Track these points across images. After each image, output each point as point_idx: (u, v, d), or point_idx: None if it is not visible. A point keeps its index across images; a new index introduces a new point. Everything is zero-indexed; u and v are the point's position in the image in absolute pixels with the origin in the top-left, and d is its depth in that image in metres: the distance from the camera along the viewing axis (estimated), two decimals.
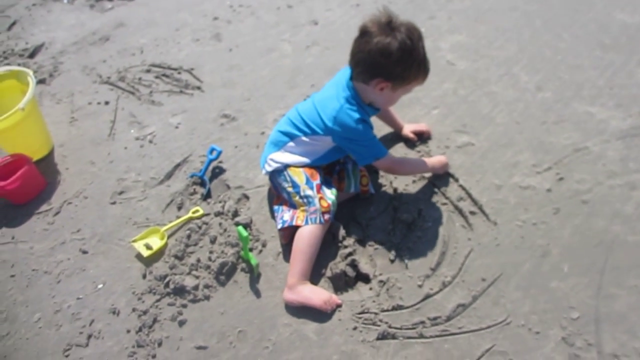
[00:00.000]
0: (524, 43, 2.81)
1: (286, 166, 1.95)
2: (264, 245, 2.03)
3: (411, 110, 2.49)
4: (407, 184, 2.14)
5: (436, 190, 2.11)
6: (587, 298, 1.72)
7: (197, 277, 1.94)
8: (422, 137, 2.33)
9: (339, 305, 1.79)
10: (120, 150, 2.54)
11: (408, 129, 2.32)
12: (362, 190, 2.08)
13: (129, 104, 2.81)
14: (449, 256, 1.90)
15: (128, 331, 1.84)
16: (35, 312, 1.94)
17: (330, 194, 1.90)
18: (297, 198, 1.91)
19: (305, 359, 1.68)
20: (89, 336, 1.85)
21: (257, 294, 1.88)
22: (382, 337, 1.69)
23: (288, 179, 1.93)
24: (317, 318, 1.77)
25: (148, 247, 2.05)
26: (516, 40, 2.84)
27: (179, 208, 2.22)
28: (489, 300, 1.76)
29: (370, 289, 1.85)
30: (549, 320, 1.68)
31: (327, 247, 1.95)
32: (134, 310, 1.89)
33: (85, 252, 2.12)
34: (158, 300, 1.91)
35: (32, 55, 3.28)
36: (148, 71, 3.01)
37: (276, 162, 1.97)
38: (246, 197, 2.22)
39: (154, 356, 1.76)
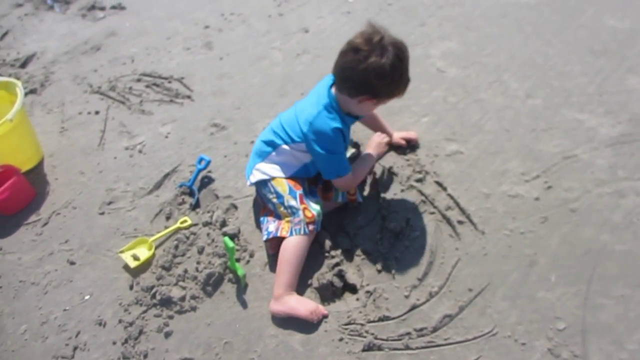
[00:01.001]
0: (514, 50, 2.81)
1: (270, 178, 1.94)
2: (251, 256, 2.02)
3: (401, 118, 2.48)
4: (395, 193, 2.14)
5: (424, 199, 2.11)
6: (574, 308, 1.71)
7: (184, 288, 1.94)
8: (411, 145, 2.32)
9: (325, 316, 1.79)
10: (109, 160, 2.54)
11: (397, 137, 2.32)
12: (349, 199, 2.07)
13: (119, 114, 2.80)
14: (436, 266, 1.89)
15: (114, 343, 1.83)
16: (21, 324, 1.94)
17: (314, 205, 1.90)
18: (282, 209, 1.90)
19: None
20: (75, 348, 1.84)
21: (244, 304, 1.88)
22: (368, 348, 1.68)
23: (272, 189, 1.92)
24: (303, 329, 1.77)
25: (135, 257, 2.05)
26: (506, 47, 2.84)
27: (168, 218, 2.22)
28: (476, 310, 1.75)
29: (357, 299, 1.84)
30: (535, 331, 1.67)
31: (314, 257, 1.94)
32: (120, 321, 1.89)
33: (72, 263, 2.11)
34: (144, 312, 1.90)
35: (23, 65, 3.28)
36: (139, 80, 3.01)
37: (261, 173, 1.96)
38: (234, 207, 2.21)
39: None
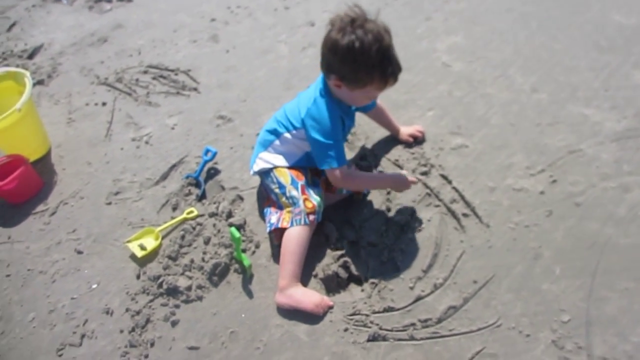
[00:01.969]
0: (519, 45, 2.81)
1: (273, 167, 1.96)
2: (257, 246, 2.04)
3: (406, 111, 2.49)
4: None
5: (429, 192, 2.12)
6: (578, 301, 1.72)
7: (190, 278, 1.95)
8: (417, 140, 2.33)
9: (330, 307, 1.80)
10: (116, 151, 2.56)
11: (405, 133, 2.33)
12: (354, 192, 2.08)
13: (126, 105, 2.82)
14: (441, 258, 1.90)
15: (121, 331, 1.85)
16: (29, 312, 1.96)
17: (315, 195, 1.91)
18: (283, 199, 1.92)
19: None
20: (83, 336, 1.86)
21: (250, 294, 1.89)
22: (373, 338, 1.70)
23: (275, 180, 1.94)
24: (309, 319, 1.78)
25: (142, 247, 2.06)
26: (512, 41, 2.84)
27: (174, 209, 2.23)
28: (480, 302, 1.76)
29: (362, 290, 1.85)
30: (540, 323, 1.68)
31: (319, 248, 1.96)
32: (127, 310, 1.90)
33: (80, 252, 2.13)
34: (151, 301, 1.91)
35: (30, 56, 3.29)
36: (145, 72, 3.02)
37: (264, 162, 1.98)
38: (240, 198, 2.22)
39: (146, 356, 1.77)
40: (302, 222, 1.85)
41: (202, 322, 1.84)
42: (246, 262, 1.92)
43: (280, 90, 2.75)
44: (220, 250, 2.00)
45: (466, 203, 2.06)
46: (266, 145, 2.01)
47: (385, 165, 2.25)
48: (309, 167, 2.01)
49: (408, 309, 1.76)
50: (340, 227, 2.03)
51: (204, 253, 2.02)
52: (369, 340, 1.70)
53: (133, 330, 1.84)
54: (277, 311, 1.83)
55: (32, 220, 2.30)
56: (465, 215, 2.02)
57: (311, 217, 1.87)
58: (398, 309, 1.77)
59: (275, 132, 1.98)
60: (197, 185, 2.31)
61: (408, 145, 2.32)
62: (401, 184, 1.98)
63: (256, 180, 2.24)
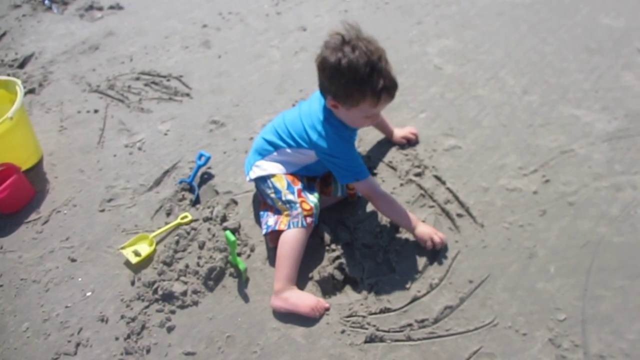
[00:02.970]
0: (510, 47, 2.84)
1: (270, 175, 1.95)
2: (252, 250, 2.03)
3: (399, 114, 2.50)
4: (394, 187, 2.16)
5: (424, 193, 2.12)
6: (573, 299, 1.73)
7: (186, 283, 1.94)
8: (411, 141, 2.34)
9: (326, 309, 1.80)
10: (109, 158, 2.54)
11: (398, 135, 2.34)
12: (349, 193, 2.09)
13: (118, 112, 2.81)
14: (436, 258, 1.90)
15: (116, 338, 1.83)
16: (23, 322, 1.93)
17: (312, 197, 1.91)
18: (279, 204, 1.92)
19: None
20: (77, 344, 1.84)
21: (246, 298, 1.88)
22: (370, 340, 1.70)
23: (270, 185, 1.94)
24: (305, 322, 1.78)
25: (136, 253, 2.05)
26: (503, 44, 2.87)
27: (168, 214, 2.22)
28: (476, 302, 1.76)
29: (358, 292, 1.85)
30: (536, 322, 1.68)
31: (315, 250, 1.96)
32: (122, 317, 1.89)
33: (74, 260, 2.11)
34: (146, 307, 1.90)
35: (21, 65, 3.27)
36: (137, 79, 3.02)
37: (261, 170, 1.98)
38: (235, 202, 2.22)
39: None
40: (300, 224, 1.85)
41: (198, 327, 1.83)
42: (241, 266, 1.91)
43: (273, 94, 2.75)
44: (215, 255, 1.99)
45: (460, 203, 2.06)
46: (263, 155, 2.00)
47: (380, 167, 2.26)
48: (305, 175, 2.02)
49: (404, 310, 1.76)
50: (335, 229, 2.03)
51: (199, 258, 2.01)
52: (366, 342, 1.70)
53: (128, 337, 1.82)
54: (274, 314, 1.82)
55: (24, 229, 2.28)
56: (459, 215, 2.03)
57: (308, 219, 1.86)
58: (394, 310, 1.77)
59: (274, 145, 1.97)
60: (191, 190, 2.30)
61: (401, 146, 2.33)
62: (426, 235, 1.88)
63: (250, 184, 2.24)
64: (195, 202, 2.25)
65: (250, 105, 2.71)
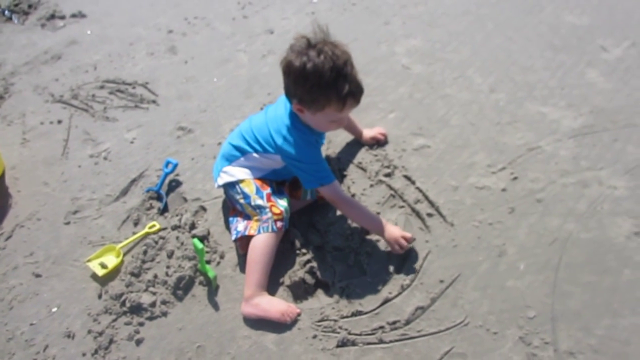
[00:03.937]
0: (477, 46, 2.85)
1: (238, 180, 1.93)
2: (221, 257, 2.00)
3: (368, 114, 2.49)
4: (364, 188, 2.15)
5: (394, 193, 2.12)
6: (543, 296, 1.73)
7: (154, 294, 1.90)
8: (380, 142, 2.33)
9: (298, 314, 1.77)
10: (74, 169, 2.48)
11: (367, 135, 2.33)
12: (318, 196, 2.07)
13: (83, 122, 2.75)
14: (407, 259, 1.89)
15: (84, 354, 1.78)
16: None
17: (282, 202, 1.89)
18: (249, 209, 1.89)
19: None
20: None
21: (216, 307, 1.85)
22: (342, 344, 1.68)
23: (239, 190, 1.91)
24: (277, 328, 1.75)
25: (103, 265, 2.00)
26: (469, 43, 2.88)
27: (136, 224, 2.18)
28: (448, 302, 1.76)
29: (330, 296, 1.83)
30: (507, 320, 1.69)
31: (285, 255, 1.94)
32: (89, 332, 1.84)
33: (38, 276, 2.05)
34: (114, 320, 1.86)
35: None
36: (102, 87, 2.96)
37: (229, 176, 1.95)
38: (203, 209, 2.19)
39: None
40: (270, 229, 1.83)
41: (167, 338, 1.79)
42: (211, 274, 1.88)
43: (241, 98, 2.73)
44: (184, 263, 1.95)
45: (430, 203, 2.06)
46: (231, 160, 1.98)
47: (350, 168, 2.24)
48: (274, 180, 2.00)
49: (376, 312, 1.75)
50: (306, 232, 2.01)
51: (168, 267, 1.97)
52: (338, 346, 1.68)
53: (96, 352, 1.78)
54: (244, 322, 1.79)
55: None
56: (429, 215, 2.02)
57: (279, 223, 1.84)
58: (366, 313, 1.75)
59: (241, 150, 1.95)
60: (159, 198, 2.26)
61: (371, 147, 2.32)
62: (396, 238, 1.83)
63: (219, 191, 2.20)
64: (164, 211, 2.21)
65: (218, 111, 2.68)
